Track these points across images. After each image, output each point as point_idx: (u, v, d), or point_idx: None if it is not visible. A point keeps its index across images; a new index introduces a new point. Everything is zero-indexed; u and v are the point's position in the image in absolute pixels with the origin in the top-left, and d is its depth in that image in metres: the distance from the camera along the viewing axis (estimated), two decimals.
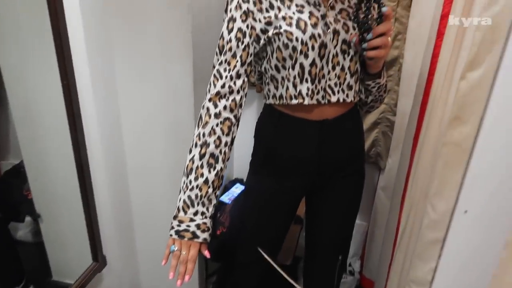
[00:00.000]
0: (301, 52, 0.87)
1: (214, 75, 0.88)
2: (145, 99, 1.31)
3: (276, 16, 0.87)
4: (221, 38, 0.88)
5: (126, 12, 1.22)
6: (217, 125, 0.86)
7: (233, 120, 0.88)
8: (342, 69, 0.93)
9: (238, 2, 0.86)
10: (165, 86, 1.28)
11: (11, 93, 1.13)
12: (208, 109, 0.87)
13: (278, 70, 0.92)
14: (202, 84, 1.25)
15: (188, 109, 1.28)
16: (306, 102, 0.92)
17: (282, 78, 0.93)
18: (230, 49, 0.86)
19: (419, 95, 1.19)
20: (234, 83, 0.87)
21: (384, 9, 0.83)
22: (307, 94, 0.91)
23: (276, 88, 0.95)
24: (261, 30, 0.88)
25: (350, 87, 0.95)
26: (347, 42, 0.91)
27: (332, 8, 0.91)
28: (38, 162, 1.24)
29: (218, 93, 0.86)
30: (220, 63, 0.87)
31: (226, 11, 0.89)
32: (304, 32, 0.86)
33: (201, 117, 0.88)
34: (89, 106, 1.25)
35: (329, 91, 0.93)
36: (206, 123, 0.86)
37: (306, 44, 0.86)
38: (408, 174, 1.29)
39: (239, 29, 0.86)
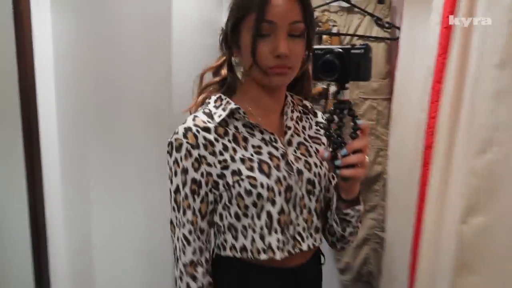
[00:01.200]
0: (267, 199, 0.77)
1: (181, 241, 0.78)
2: (119, 223, 1.23)
3: (232, 159, 0.78)
4: (176, 191, 0.79)
5: (105, 132, 1.20)
6: None
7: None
8: (309, 211, 0.83)
9: (186, 149, 0.76)
10: (141, 207, 1.22)
11: None
12: (188, 284, 0.78)
13: (238, 219, 0.80)
14: None
15: (164, 232, 1.20)
16: (277, 257, 0.79)
17: (244, 227, 0.80)
18: (189, 206, 0.78)
19: (410, 219, 1.15)
20: (202, 242, 0.79)
21: (359, 122, 0.71)
22: (278, 247, 0.79)
23: (236, 238, 0.81)
24: (218, 175, 0.78)
25: (317, 230, 0.85)
26: (311, 181, 0.82)
27: (290, 143, 0.83)
28: None
29: (192, 262, 0.78)
30: (183, 226, 0.78)
31: (172, 162, 0.78)
32: (269, 176, 0.77)
33: None
34: (58, 233, 1.16)
35: (299, 239, 0.81)
36: None
37: (273, 189, 0.77)
38: None
39: (193, 180, 0.77)
